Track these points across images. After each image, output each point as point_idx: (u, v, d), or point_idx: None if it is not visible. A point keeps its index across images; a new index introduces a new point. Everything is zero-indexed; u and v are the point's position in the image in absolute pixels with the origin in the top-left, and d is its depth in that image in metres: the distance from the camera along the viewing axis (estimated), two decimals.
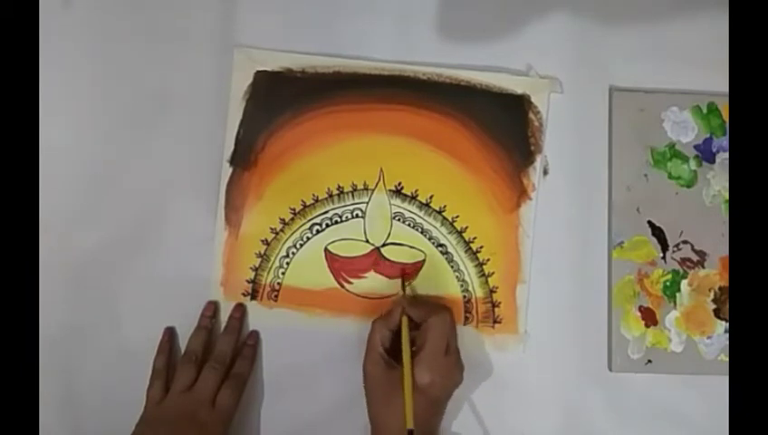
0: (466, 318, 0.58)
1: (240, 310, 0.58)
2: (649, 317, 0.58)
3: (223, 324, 0.58)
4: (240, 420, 0.56)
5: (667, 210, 0.59)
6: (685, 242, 0.59)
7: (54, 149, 0.58)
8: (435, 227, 0.59)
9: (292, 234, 0.59)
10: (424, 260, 0.58)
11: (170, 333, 0.58)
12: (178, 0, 0.60)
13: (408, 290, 0.57)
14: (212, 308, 0.58)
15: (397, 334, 0.53)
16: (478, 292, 0.59)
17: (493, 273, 0.59)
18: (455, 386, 0.53)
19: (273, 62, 0.59)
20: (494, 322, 0.59)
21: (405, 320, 0.53)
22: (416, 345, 0.53)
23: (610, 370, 0.58)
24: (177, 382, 0.55)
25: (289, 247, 0.59)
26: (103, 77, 0.59)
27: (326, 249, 0.59)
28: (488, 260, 0.59)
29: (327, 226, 0.59)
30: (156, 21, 0.60)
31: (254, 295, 0.59)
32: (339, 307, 0.58)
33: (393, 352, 0.53)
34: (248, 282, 0.59)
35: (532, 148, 0.59)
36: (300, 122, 0.59)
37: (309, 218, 0.59)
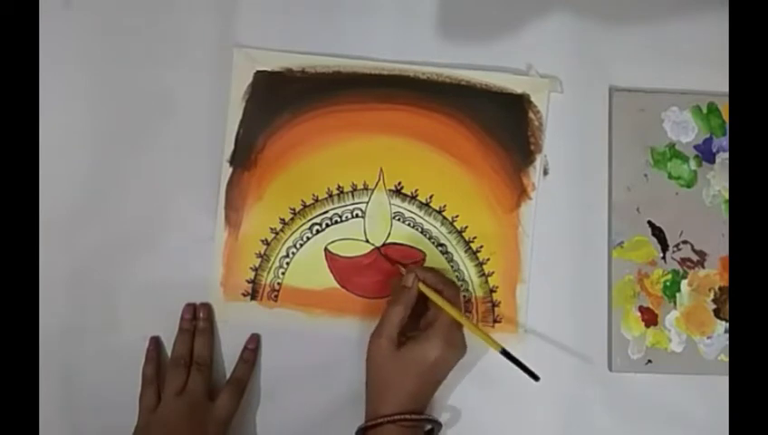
0: (466, 317, 0.58)
1: (202, 310, 0.58)
2: (649, 317, 0.58)
3: (220, 324, 0.58)
4: (239, 420, 0.56)
5: (667, 210, 0.59)
6: (685, 242, 0.59)
7: (54, 149, 0.58)
8: (435, 227, 0.59)
9: (292, 234, 0.59)
10: (424, 260, 0.58)
11: (156, 341, 0.58)
12: (178, 0, 0.60)
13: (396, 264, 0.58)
14: (191, 311, 0.58)
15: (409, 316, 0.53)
16: (478, 291, 0.59)
17: (492, 272, 0.59)
18: (458, 361, 0.53)
19: (273, 62, 0.59)
20: (494, 321, 0.59)
21: (422, 286, 0.53)
22: (426, 319, 0.53)
23: (610, 370, 0.58)
24: (169, 387, 0.55)
25: (289, 247, 0.59)
26: (103, 77, 0.60)
27: (326, 249, 0.59)
28: (488, 260, 0.59)
29: (327, 226, 0.59)
30: (156, 21, 0.60)
31: (254, 295, 0.59)
32: (339, 307, 0.58)
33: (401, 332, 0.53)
34: (248, 282, 0.59)
35: (532, 147, 0.59)
36: (300, 122, 0.59)
37: (309, 218, 0.59)
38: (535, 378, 0.52)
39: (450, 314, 0.52)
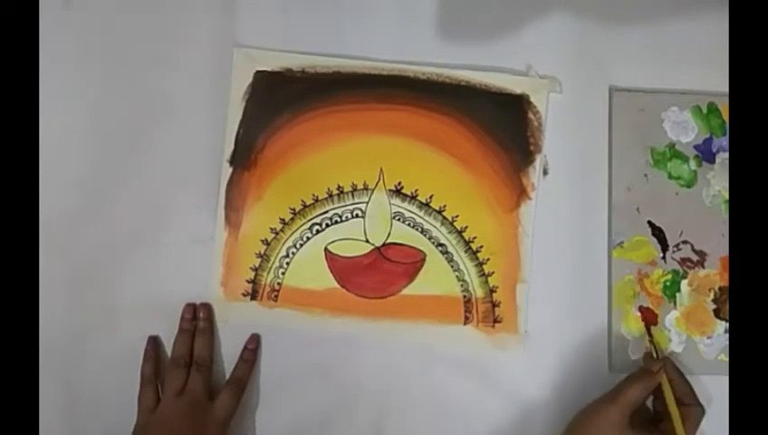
0: (466, 318, 0.58)
1: (202, 310, 0.58)
2: (649, 317, 0.58)
3: (220, 324, 0.58)
4: (239, 420, 0.56)
5: (667, 210, 0.59)
6: (685, 242, 0.59)
7: (54, 149, 0.58)
8: (435, 227, 0.59)
9: (292, 234, 0.59)
10: (424, 260, 0.59)
11: (155, 341, 0.58)
12: (178, 0, 0.60)
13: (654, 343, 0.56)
14: (191, 311, 0.58)
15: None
16: (478, 291, 0.59)
17: (492, 272, 0.59)
18: None
19: (273, 62, 0.59)
20: (494, 321, 0.59)
21: (665, 380, 0.52)
22: (654, 414, 0.53)
23: (610, 370, 0.58)
24: (168, 387, 0.55)
25: (289, 247, 0.59)
26: (103, 77, 0.60)
27: (326, 249, 0.59)
28: (488, 260, 0.59)
29: (327, 226, 0.59)
30: (156, 21, 0.60)
31: (254, 295, 0.59)
32: (339, 307, 0.58)
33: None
34: (248, 282, 0.59)
35: (532, 147, 0.59)
36: (300, 122, 0.59)
37: (309, 218, 0.59)
38: None
39: (675, 430, 0.50)
